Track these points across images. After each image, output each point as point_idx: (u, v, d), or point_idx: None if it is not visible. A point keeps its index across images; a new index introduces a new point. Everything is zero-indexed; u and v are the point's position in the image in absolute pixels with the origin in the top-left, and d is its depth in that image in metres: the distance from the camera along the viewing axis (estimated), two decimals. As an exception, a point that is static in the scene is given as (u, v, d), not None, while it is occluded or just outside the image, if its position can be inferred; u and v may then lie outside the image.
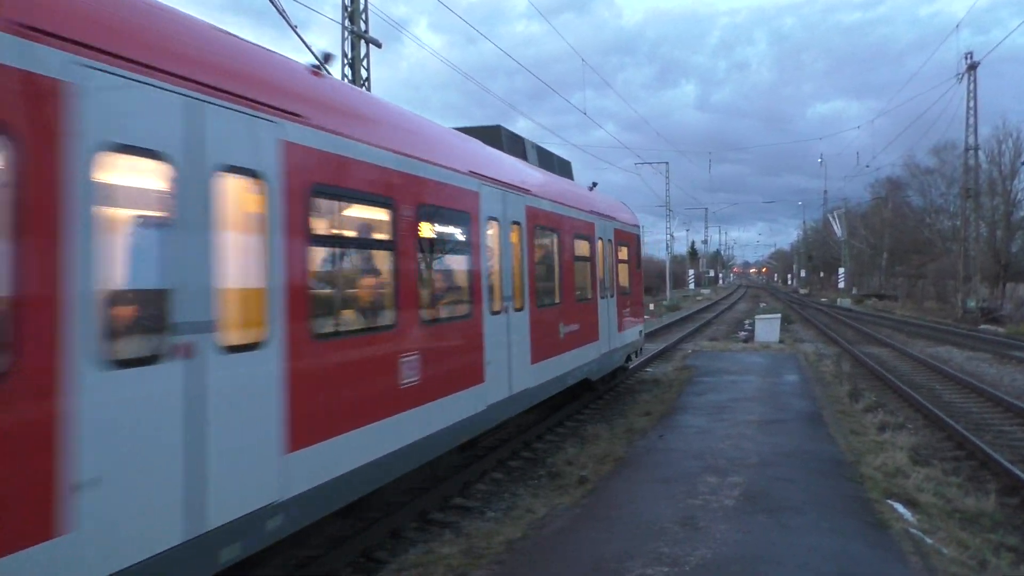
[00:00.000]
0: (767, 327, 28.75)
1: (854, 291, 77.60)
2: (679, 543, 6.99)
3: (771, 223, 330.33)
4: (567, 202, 12.71)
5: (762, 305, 58.85)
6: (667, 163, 69.86)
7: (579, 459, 10.74)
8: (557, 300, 11.90)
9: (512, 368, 9.78)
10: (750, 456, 10.26)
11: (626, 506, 8.27)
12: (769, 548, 6.85)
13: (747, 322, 35.53)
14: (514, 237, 10.20)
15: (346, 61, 18.87)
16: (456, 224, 8.59)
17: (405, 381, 7.04)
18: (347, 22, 18.83)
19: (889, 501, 8.39)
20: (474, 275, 8.84)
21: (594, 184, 15.68)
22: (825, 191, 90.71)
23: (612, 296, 15.48)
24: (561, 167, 14.14)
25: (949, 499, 9.36)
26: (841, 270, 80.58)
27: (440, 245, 8.20)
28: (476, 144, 9.87)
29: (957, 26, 59.26)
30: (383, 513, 8.24)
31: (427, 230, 7.72)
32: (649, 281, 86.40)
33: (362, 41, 19.05)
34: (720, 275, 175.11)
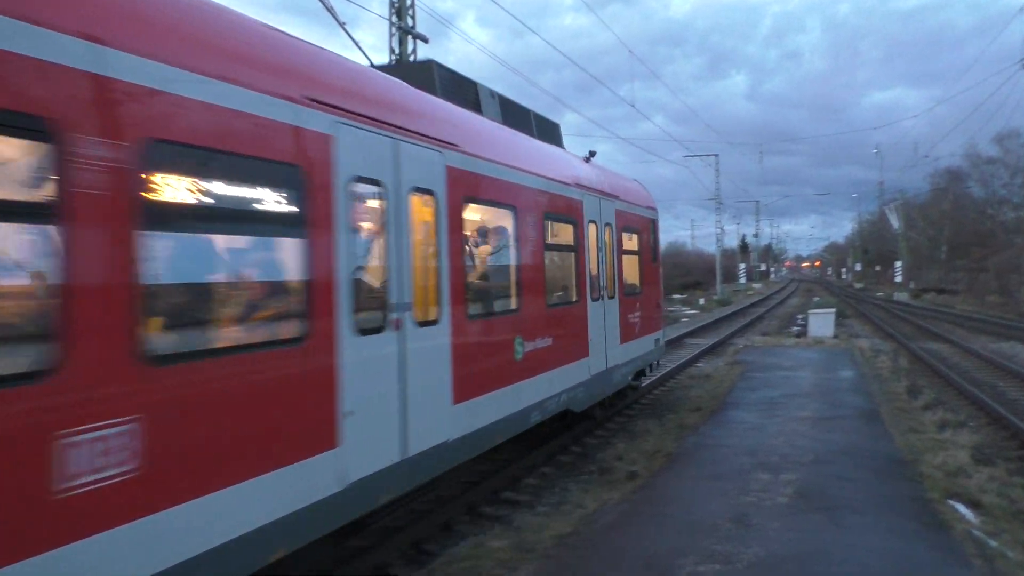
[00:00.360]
0: (821, 322, 28.19)
1: (911, 285, 75.52)
2: (731, 541, 6.90)
3: (824, 216, 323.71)
4: (534, 169, 9.21)
5: (815, 299, 57.71)
6: (717, 155, 68.48)
7: (629, 454, 10.68)
8: (512, 306, 8.54)
9: (410, 415, 6.28)
10: (804, 453, 10.08)
11: (677, 502, 8.20)
12: (824, 548, 6.72)
13: (800, 317, 34.91)
14: (422, 213, 6.81)
15: (394, 57, 19.03)
16: (266, 184, 5.10)
17: (87, 479, 3.63)
18: (394, 18, 18.97)
19: (950, 501, 8.15)
20: (315, 272, 5.27)
21: (591, 153, 12.49)
22: (881, 182, 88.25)
23: (612, 297, 12.08)
24: (542, 128, 10.95)
25: (1014, 500, 9.03)
26: (898, 264, 78.41)
27: (215, 219, 4.80)
28: (332, 60, 6.17)
29: (1021, 9, 56.92)
30: (434, 506, 8.31)
31: (176, 191, 4.45)
32: (699, 275, 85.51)
33: (409, 37, 19.18)
34: (771, 269, 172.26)
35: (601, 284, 11.54)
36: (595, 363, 11.06)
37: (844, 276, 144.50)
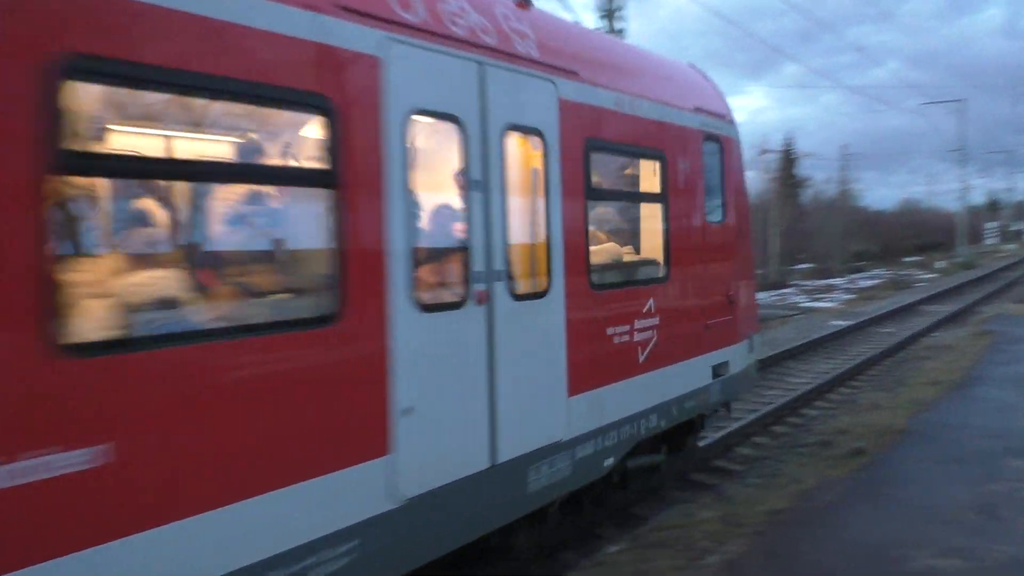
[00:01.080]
0: (1092, 289, 24.46)
1: None
2: (975, 535, 6.19)
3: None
4: None
5: (1084, 262, 50.16)
6: (962, 100, 60.91)
7: (854, 429, 9.93)
8: None
9: None
10: (1069, 440, 8.81)
11: (908, 485, 7.50)
12: (1095, 551, 5.83)
13: (1064, 282, 30.57)
14: None
15: (602, 13, 18.92)
16: None
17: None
18: (605, -26, 18.70)
19: None
20: None
21: None
22: None
23: (541, 292, 5.64)
24: None
25: None
26: None
27: None
28: None
29: None
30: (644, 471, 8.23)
31: None
32: (937, 236, 77.10)
33: (618, -9, 18.88)
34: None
35: (475, 269, 5.07)
36: (425, 468, 4.66)
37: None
